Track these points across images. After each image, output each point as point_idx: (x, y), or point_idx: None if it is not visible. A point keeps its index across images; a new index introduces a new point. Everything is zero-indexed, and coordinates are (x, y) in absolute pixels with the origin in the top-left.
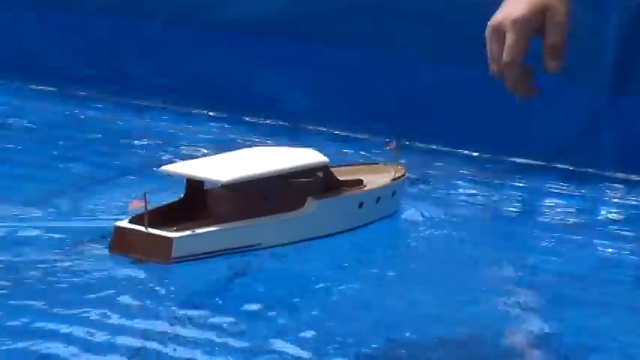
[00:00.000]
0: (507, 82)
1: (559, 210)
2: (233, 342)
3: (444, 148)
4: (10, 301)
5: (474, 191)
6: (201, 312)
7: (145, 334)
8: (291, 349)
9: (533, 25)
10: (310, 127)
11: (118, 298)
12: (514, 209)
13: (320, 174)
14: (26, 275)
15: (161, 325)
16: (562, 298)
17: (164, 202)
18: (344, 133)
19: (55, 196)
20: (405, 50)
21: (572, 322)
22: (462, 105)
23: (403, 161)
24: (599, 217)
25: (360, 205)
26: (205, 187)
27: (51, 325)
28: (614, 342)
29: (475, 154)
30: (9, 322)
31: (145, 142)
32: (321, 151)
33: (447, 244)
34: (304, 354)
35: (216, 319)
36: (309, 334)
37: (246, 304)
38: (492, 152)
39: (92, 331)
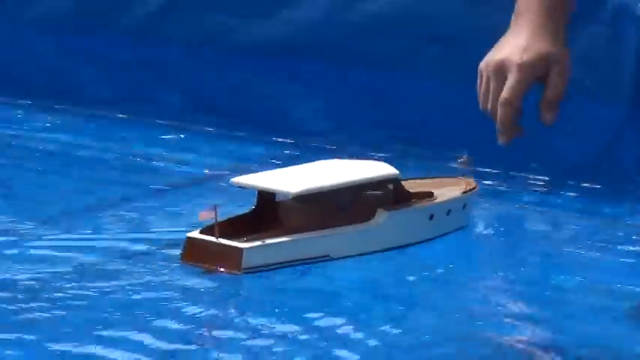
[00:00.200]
0: (499, 120)
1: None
2: (300, 351)
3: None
4: (90, 313)
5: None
6: (271, 320)
7: (217, 344)
8: None
9: (537, 72)
10: (328, 147)
11: (187, 308)
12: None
13: (390, 186)
14: (96, 285)
15: (230, 334)
16: None
17: (235, 214)
18: (361, 154)
19: (116, 209)
20: (422, 71)
21: None
22: (480, 124)
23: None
24: None
25: (431, 218)
26: (277, 199)
27: (121, 334)
28: None
29: (495, 171)
30: (89, 331)
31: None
32: None
33: (512, 257)
34: None
35: (285, 328)
36: (373, 342)
37: (314, 314)
38: (511, 169)
39: (162, 340)
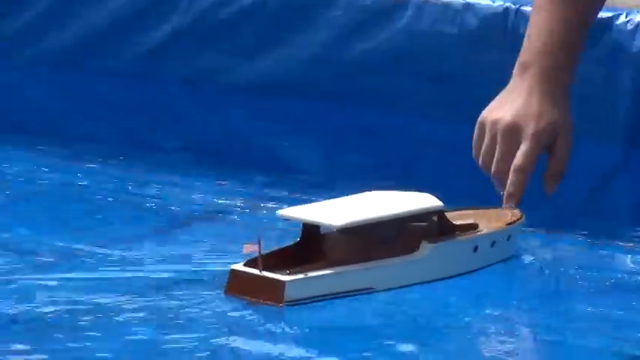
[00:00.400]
0: (511, 186)
1: None
2: None
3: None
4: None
5: None
6: (312, 354)
7: None
8: None
9: (547, 141)
10: (322, 187)
11: (230, 339)
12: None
13: (435, 218)
14: (138, 317)
15: None
16: None
17: (279, 246)
18: (356, 192)
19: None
20: (419, 109)
21: None
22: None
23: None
24: None
25: (475, 249)
26: (321, 232)
27: None
28: None
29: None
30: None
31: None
32: None
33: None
34: None
35: None
36: None
37: (358, 346)
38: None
39: None
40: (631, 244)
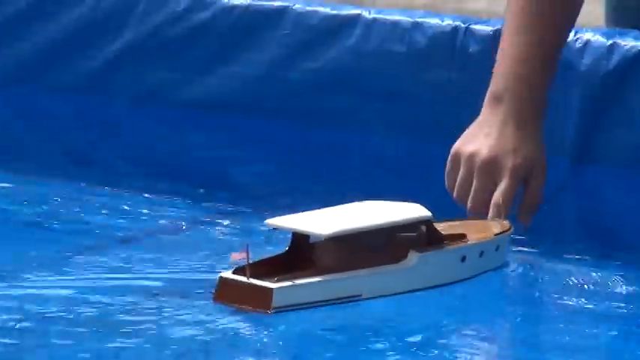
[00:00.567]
0: (482, 216)
1: None
2: None
3: None
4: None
5: None
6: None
7: None
8: None
9: (524, 175)
10: (275, 205)
11: (218, 346)
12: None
13: (423, 228)
14: (128, 323)
15: None
16: None
17: (269, 255)
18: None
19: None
20: (373, 127)
21: None
22: (430, 181)
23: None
24: None
25: (463, 259)
26: (311, 241)
27: None
28: None
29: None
30: None
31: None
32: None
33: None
34: None
35: None
36: None
37: (344, 353)
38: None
39: None
40: (577, 257)
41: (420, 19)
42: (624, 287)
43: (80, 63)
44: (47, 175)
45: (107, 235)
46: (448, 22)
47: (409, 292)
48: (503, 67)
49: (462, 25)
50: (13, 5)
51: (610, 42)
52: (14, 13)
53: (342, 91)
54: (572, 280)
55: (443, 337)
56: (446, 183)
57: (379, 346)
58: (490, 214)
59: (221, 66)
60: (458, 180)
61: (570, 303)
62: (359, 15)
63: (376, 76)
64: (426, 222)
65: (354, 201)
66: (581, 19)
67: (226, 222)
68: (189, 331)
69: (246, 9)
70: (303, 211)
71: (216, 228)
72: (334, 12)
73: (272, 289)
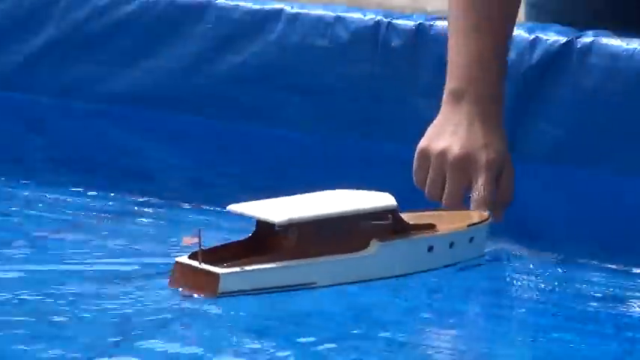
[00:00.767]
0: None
1: None
2: None
3: None
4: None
5: None
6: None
7: None
8: None
9: (497, 171)
10: (193, 203)
11: (162, 330)
12: None
13: (389, 218)
14: (87, 306)
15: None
16: None
17: (231, 241)
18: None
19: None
20: (296, 122)
21: None
22: (351, 178)
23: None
24: None
25: (430, 249)
26: (276, 228)
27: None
28: None
29: None
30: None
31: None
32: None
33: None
34: None
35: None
36: None
37: (287, 339)
38: None
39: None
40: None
41: (342, 14)
42: (541, 282)
43: (2, 59)
44: None
45: (33, 229)
46: (371, 17)
47: (369, 280)
48: (459, 66)
49: (385, 20)
50: None
51: (532, 36)
52: None
53: (265, 86)
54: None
55: (386, 330)
56: (415, 180)
57: (311, 339)
58: (473, 209)
59: (144, 60)
60: (429, 178)
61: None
62: (281, 9)
63: (299, 70)
64: (391, 211)
65: (272, 197)
66: None
67: (149, 213)
68: (136, 315)
69: (170, 2)
70: (228, 204)
71: (140, 219)
72: (257, 6)
73: (219, 274)
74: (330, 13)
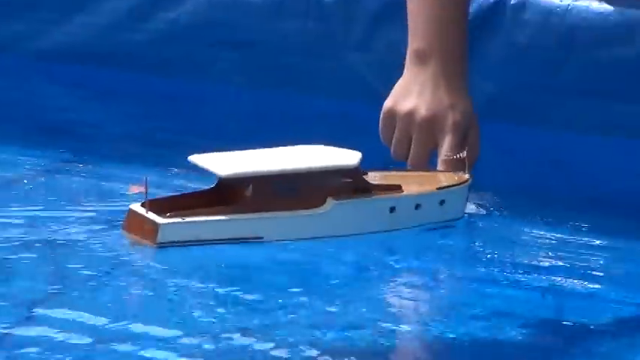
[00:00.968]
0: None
1: None
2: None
3: None
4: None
5: None
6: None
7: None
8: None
9: (464, 131)
10: (129, 156)
11: (112, 273)
12: None
13: (349, 177)
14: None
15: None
16: None
17: (191, 191)
18: (165, 162)
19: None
20: (228, 77)
21: None
22: (285, 130)
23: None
24: None
25: (392, 210)
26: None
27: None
28: None
29: None
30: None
31: None
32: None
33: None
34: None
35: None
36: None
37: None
38: None
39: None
40: None
41: None
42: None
43: None
44: None
45: None
46: None
47: (323, 238)
48: (422, 27)
49: None
50: None
51: None
52: None
53: (197, 42)
54: None
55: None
56: (382, 139)
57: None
58: (440, 168)
59: (75, 16)
60: (395, 138)
61: None
62: None
63: (231, 26)
64: (351, 171)
65: (207, 151)
66: None
67: (82, 168)
68: (83, 258)
69: None
70: (154, 162)
71: (74, 174)
72: None
73: (159, 224)
74: None
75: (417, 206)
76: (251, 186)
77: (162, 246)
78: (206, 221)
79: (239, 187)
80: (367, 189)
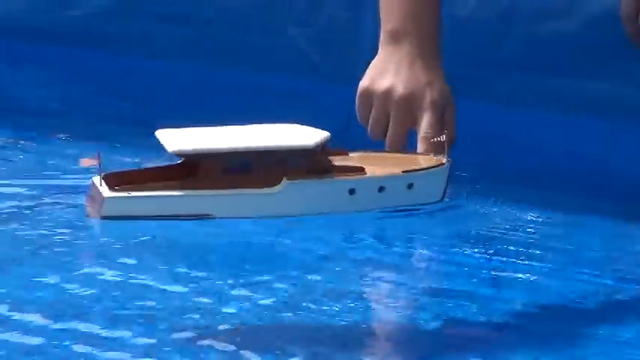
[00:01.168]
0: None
1: None
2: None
3: None
4: None
5: None
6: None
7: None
8: None
9: (442, 110)
10: (61, 134)
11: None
12: None
13: (305, 157)
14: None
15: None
16: None
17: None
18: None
19: None
20: (165, 53)
21: None
22: (229, 107)
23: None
24: None
25: (352, 192)
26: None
27: None
28: None
29: None
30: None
31: None
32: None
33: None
34: None
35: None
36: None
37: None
38: None
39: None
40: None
41: None
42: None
43: None
44: None
45: None
46: None
47: (275, 217)
48: (395, 7)
49: None
50: None
51: None
52: None
53: (135, 16)
54: None
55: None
56: (359, 119)
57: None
58: (419, 150)
59: None
60: (372, 117)
61: None
62: None
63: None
64: (309, 151)
65: (140, 128)
66: None
67: (25, 145)
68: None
69: None
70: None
71: (19, 150)
72: None
73: (104, 197)
74: None
75: (381, 189)
76: (206, 162)
77: (107, 219)
78: (152, 196)
79: (196, 163)
80: (326, 170)
